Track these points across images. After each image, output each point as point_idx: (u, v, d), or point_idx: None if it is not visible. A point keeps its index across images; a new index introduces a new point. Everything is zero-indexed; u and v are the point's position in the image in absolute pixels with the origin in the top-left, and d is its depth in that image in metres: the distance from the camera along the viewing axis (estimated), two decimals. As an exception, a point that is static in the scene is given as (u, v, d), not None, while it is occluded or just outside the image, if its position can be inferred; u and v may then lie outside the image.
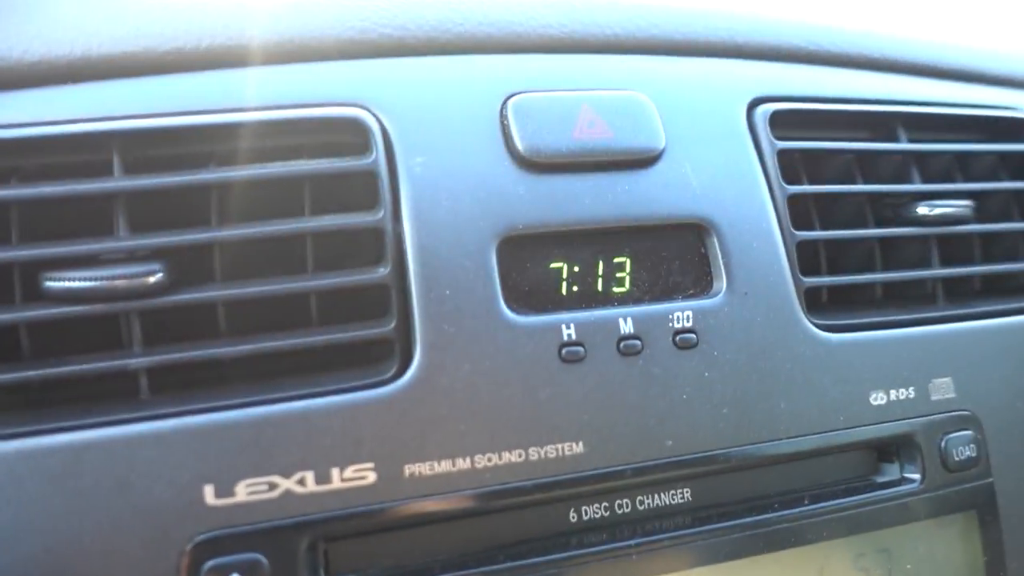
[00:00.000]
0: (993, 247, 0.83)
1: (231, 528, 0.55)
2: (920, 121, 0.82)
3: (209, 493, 0.55)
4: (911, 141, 0.80)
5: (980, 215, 0.81)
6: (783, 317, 0.68)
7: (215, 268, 0.61)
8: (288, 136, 0.64)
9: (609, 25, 0.77)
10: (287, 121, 0.63)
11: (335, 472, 0.57)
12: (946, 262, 0.79)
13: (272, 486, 0.56)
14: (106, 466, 0.55)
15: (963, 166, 0.83)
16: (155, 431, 0.56)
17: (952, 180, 0.82)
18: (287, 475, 0.57)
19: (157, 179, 0.60)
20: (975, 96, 0.89)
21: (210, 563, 0.54)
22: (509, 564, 0.60)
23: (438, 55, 0.72)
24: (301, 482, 0.57)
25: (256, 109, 0.64)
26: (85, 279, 0.57)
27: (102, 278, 0.57)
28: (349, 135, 0.65)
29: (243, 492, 0.56)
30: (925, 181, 0.80)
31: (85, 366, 0.57)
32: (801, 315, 0.69)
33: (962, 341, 0.74)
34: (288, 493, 0.57)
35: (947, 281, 0.78)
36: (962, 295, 0.80)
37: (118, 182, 0.59)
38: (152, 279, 0.58)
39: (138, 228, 0.60)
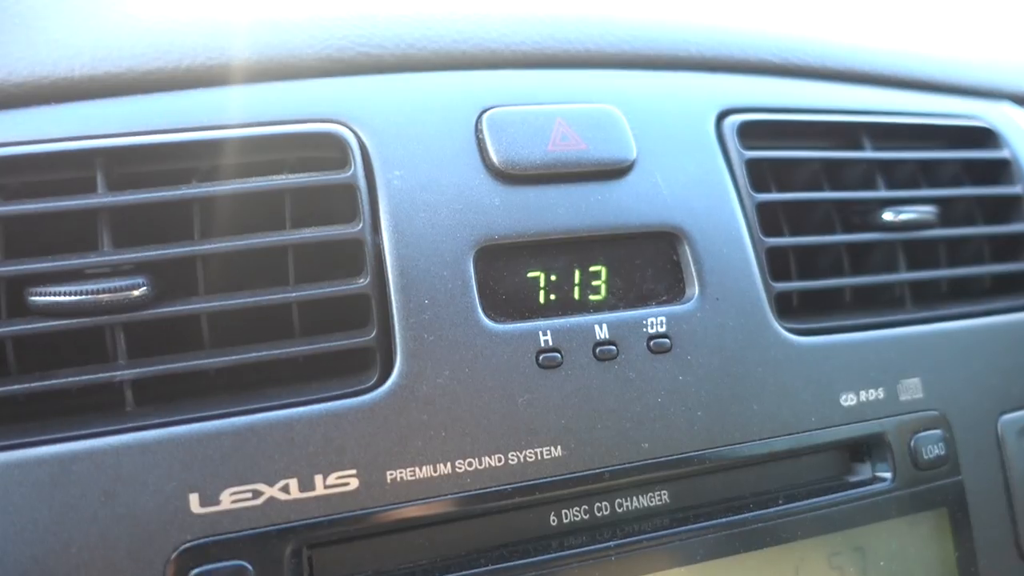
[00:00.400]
0: (958, 251, 0.85)
1: (216, 536, 0.56)
2: (884, 130, 0.85)
3: (194, 501, 0.56)
4: (876, 150, 0.83)
5: (944, 220, 0.83)
6: (754, 321, 0.70)
7: (198, 281, 0.62)
8: (269, 152, 0.66)
9: (580, 41, 0.79)
10: (267, 137, 0.65)
11: (318, 479, 0.59)
12: (913, 266, 0.81)
13: (256, 494, 0.57)
14: (92, 476, 0.55)
15: (927, 173, 0.86)
16: (140, 441, 0.57)
17: (917, 187, 0.84)
18: (271, 483, 0.58)
19: (140, 195, 0.61)
20: (937, 106, 0.91)
21: (196, 571, 0.55)
22: (491, 567, 0.61)
23: (414, 72, 0.74)
24: (285, 489, 0.58)
25: (237, 126, 0.65)
26: (69, 293, 0.58)
27: (86, 292, 0.58)
28: (328, 150, 0.66)
29: (228, 500, 0.57)
30: (890, 188, 0.82)
31: (70, 379, 0.58)
32: (772, 319, 0.71)
33: (929, 342, 0.76)
34: (272, 500, 0.58)
35: (914, 285, 0.81)
36: (929, 298, 0.82)
37: (101, 198, 0.61)
38: (136, 292, 0.59)
39: (122, 243, 0.61)
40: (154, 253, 0.60)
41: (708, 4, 0.91)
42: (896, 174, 0.84)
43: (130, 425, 0.57)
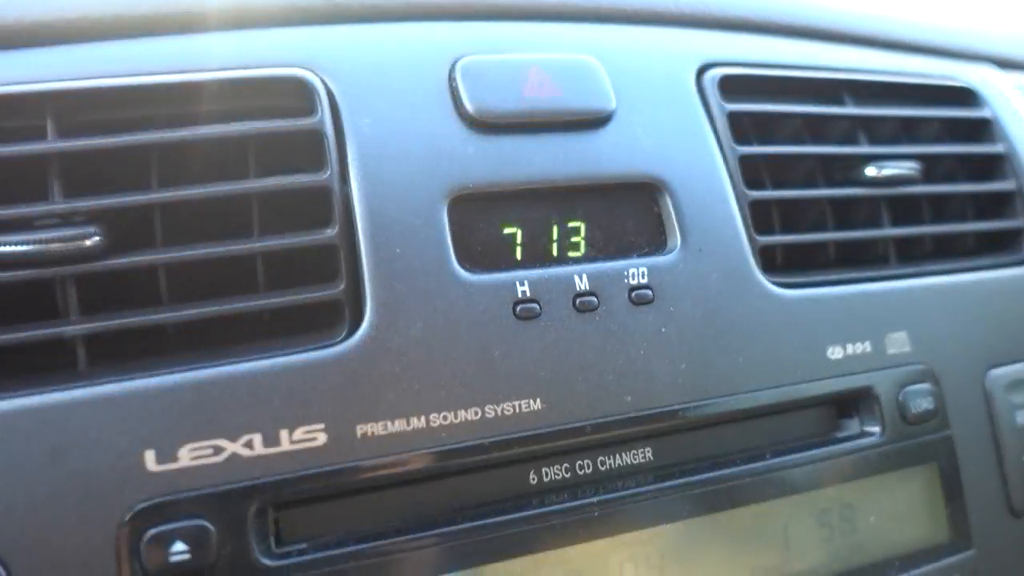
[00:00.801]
0: (941, 209, 0.83)
1: (174, 494, 0.53)
2: (866, 88, 0.83)
3: (150, 459, 0.53)
4: (857, 107, 0.81)
5: (927, 178, 0.82)
6: (738, 273, 0.68)
7: (156, 233, 0.59)
8: (231, 99, 0.62)
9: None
10: (228, 81, 0.62)
11: (284, 434, 0.55)
12: (897, 223, 0.79)
13: (217, 450, 0.54)
14: (39, 433, 0.52)
15: (909, 131, 0.84)
16: (92, 396, 0.53)
17: (899, 144, 0.83)
18: (233, 438, 0.54)
19: (92, 140, 0.57)
20: (919, 66, 0.90)
21: (152, 531, 0.52)
22: (467, 525, 0.58)
23: (384, 22, 0.71)
24: (248, 445, 0.54)
25: (197, 71, 0.62)
26: (16, 243, 0.55)
27: (35, 241, 0.55)
28: (293, 98, 0.63)
29: (186, 456, 0.53)
30: (873, 145, 0.80)
31: (17, 335, 0.54)
32: (756, 271, 0.69)
33: (916, 297, 0.75)
34: (234, 457, 0.54)
35: (899, 242, 0.79)
36: (913, 255, 0.80)
37: (52, 144, 0.57)
38: (88, 242, 0.55)
39: (74, 193, 0.57)
40: (108, 201, 0.57)
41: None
42: (878, 131, 0.82)
43: (81, 382, 0.54)
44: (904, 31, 0.93)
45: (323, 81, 0.63)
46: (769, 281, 0.69)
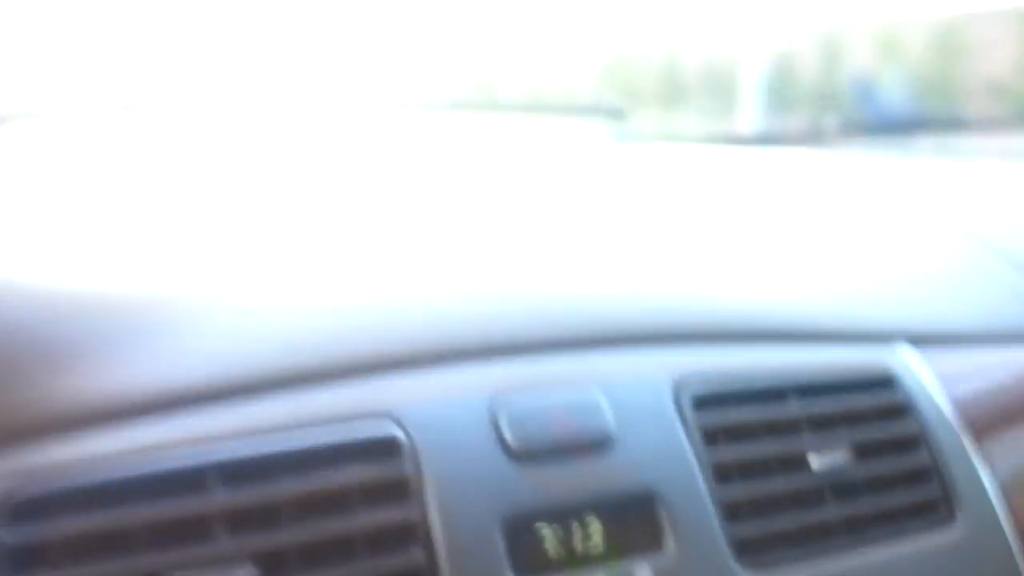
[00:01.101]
0: (874, 485, 1.05)
1: None
2: (807, 386, 1.06)
3: None
4: (801, 403, 1.04)
5: (859, 456, 1.04)
6: (720, 567, 0.89)
7: (290, 562, 0.79)
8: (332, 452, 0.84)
9: (568, 328, 1.02)
10: (335, 441, 0.83)
11: None
12: (837, 500, 1.01)
13: None
14: None
15: (843, 418, 1.07)
16: None
17: (835, 430, 1.05)
18: None
19: (251, 494, 0.78)
20: (846, 357, 1.14)
21: None
22: None
23: (439, 366, 0.94)
24: None
25: (293, 428, 0.84)
26: None
27: None
28: (383, 445, 0.85)
29: None
30: (814, 432, 1.03)
31: None
32: (733, 563, 0.90)
33: (855, 569, 0.96)
34: None
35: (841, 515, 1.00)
36: (855, 527, 1.01)
37: (216, 498, 0.78)
38: None
39: (235, 533, 0.76)
40: (262, 542, 0.76)
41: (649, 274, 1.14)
42: (818, 423, 1.05)
43: None
44: (830, 322, 1.17)
45: (404, 429, 0.86)
46: (744, 567, 0.91)
